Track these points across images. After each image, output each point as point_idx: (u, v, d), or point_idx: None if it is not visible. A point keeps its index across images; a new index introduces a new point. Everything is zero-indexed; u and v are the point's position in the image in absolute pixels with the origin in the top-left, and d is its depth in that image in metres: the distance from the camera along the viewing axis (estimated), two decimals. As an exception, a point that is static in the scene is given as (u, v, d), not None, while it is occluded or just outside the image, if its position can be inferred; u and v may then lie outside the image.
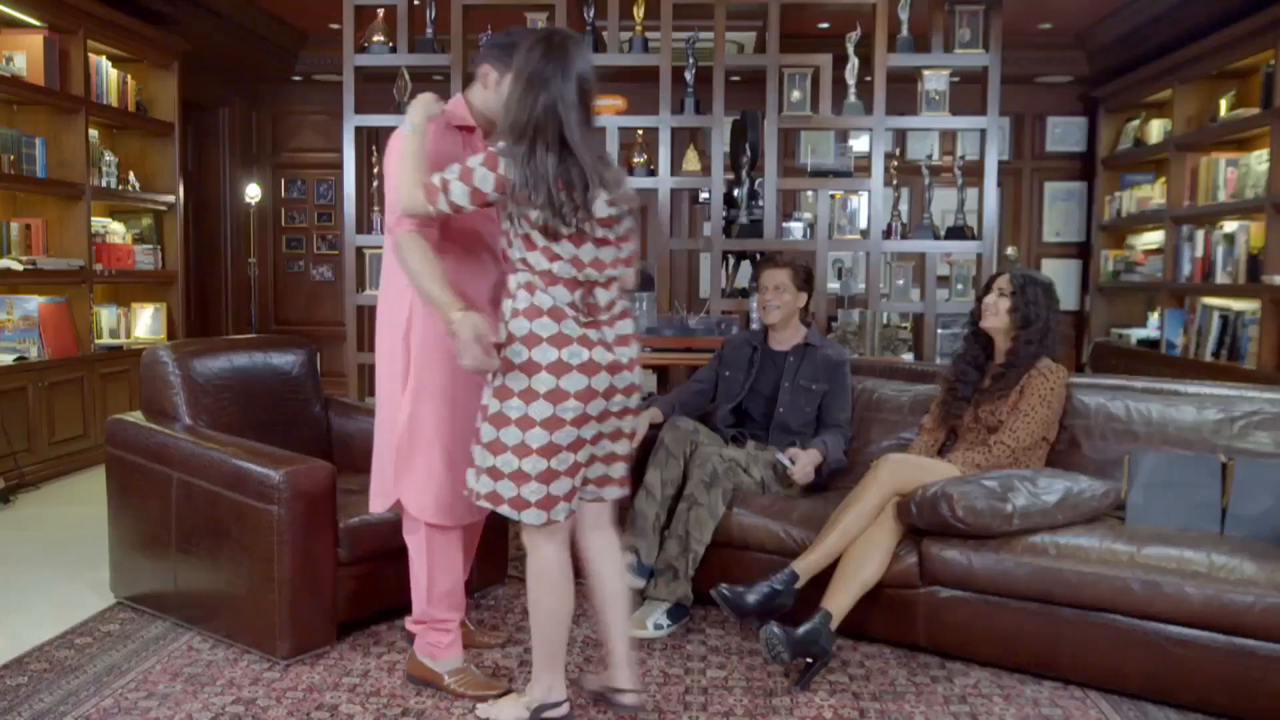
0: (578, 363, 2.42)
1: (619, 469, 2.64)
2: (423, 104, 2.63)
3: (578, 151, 2.43)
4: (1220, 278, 5.78)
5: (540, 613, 2.55)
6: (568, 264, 2.45)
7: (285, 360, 3.78)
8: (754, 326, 4.67)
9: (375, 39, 5.24)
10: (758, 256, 5.44)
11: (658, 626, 3.30)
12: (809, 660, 2.89)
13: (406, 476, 2.73)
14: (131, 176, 6.43)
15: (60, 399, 5.49)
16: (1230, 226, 5.75)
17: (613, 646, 2.64)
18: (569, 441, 2.45)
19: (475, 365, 2.41)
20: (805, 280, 3.75)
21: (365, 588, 3.23)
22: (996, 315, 3.39)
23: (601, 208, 2.48)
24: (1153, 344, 6.69)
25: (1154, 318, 6.97)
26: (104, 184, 6.06)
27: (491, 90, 2.79)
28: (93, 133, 5.96)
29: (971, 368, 3.48)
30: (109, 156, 6.17)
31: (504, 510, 2.48)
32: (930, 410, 3.58)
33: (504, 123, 2.48)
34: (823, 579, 3.05)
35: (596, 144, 2.53)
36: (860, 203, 5.79)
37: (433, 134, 2.64)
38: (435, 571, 2.81)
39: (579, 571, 2.63)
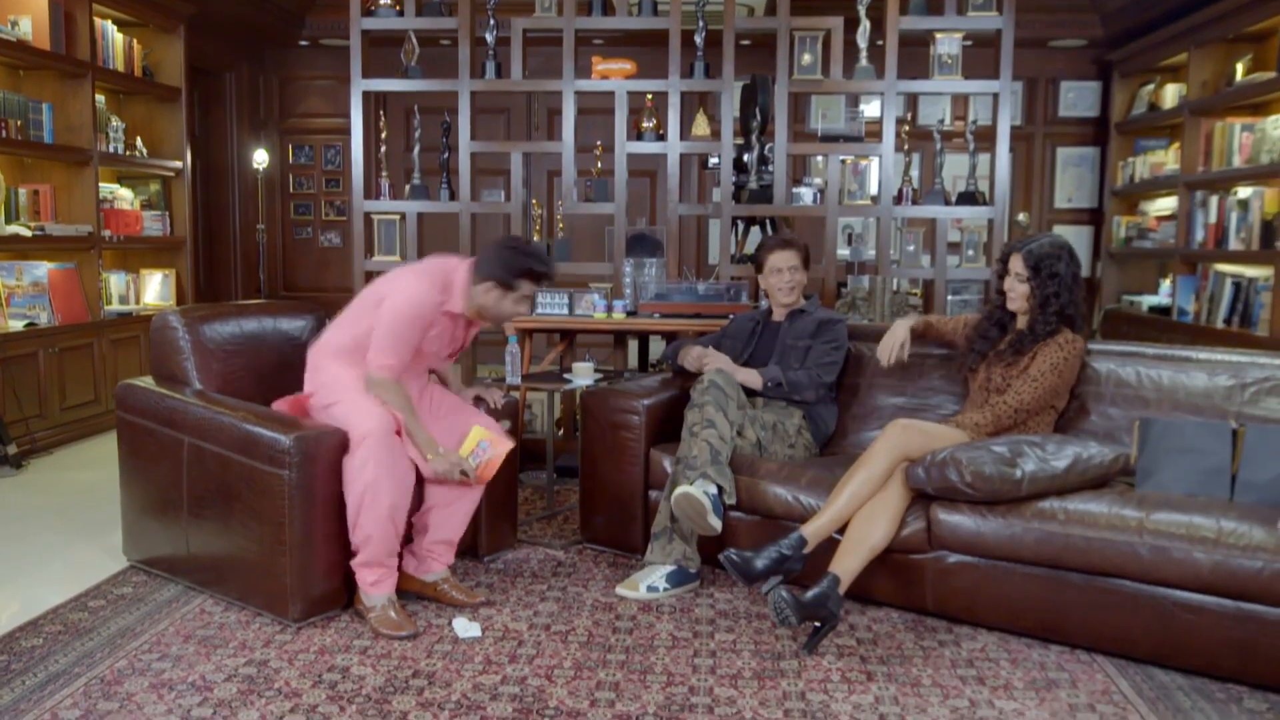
0: None
1: None
2: None
3: None
4: (1233, 244, 5.73)
5: None
6: None
7: (295, 325, 3.78)
8: (763, 301, 4.67)
9: (382, 2, 5.19)
10: (767, 223, 5.42)
11: (650, 589, 3.32)
12: (817, 624, 2.91)
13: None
14: (139, 142, 6.41)
15: (71, 364, 5.51)
16: (1244, 192, 5.70)
17: None
18: None
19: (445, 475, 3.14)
20: (807, 257, 3.96)
21: (375, 551, 3.24)
22: (1017, 300, 3.39)
23: None
24: (1164, 311, 6.66)
25: (1165, 284, 6.93)
26: (111, 149, 6.05)
27: (491, 303, 3.19)
28: (99, 98, 5.94)
29: (995, 327, 3.50)
30: (116, 122, 6.15)
31: None
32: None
33: None
34: (831, 543, 3.07)
35: None
36: (871, 168, 5.75)
37: (426, 304, 3.12)
38: (360, 514, 3.04)
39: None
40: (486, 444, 3.22)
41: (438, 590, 3.25)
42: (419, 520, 3.27)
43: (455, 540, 3.30)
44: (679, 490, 3.23)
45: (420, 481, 3.23)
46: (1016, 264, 3.38)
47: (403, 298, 3.12)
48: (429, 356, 3.31)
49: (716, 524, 3.22)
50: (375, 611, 3.04)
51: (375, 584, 3.07)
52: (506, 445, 3.26)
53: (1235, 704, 2.64)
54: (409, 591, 3.25)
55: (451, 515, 3.27)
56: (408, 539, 3.26)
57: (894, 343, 3.65)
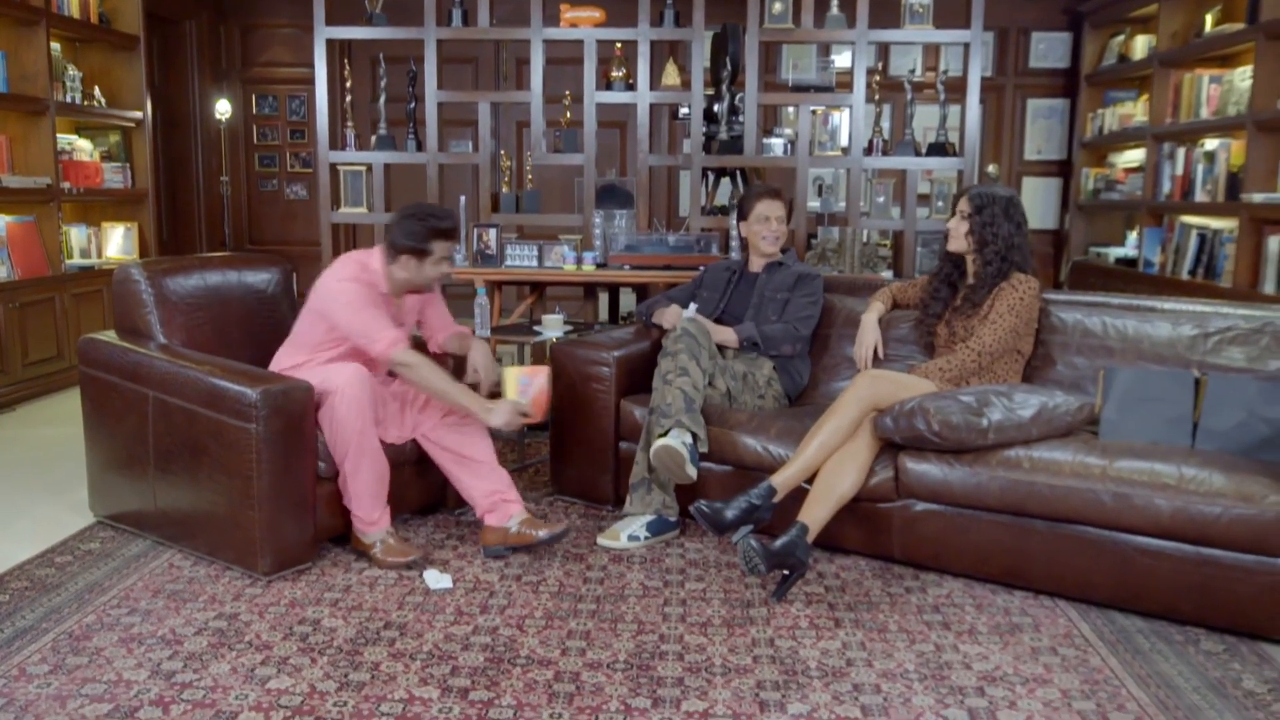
0: None
1: None
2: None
3: None
4: (1199, 196, 5.77)
5: None
6: None
7: (260, 278, 3.74)
8: (734, 252, 4.65)
9: (345, -53, 5.08)
10: (738, 174, 5.40)
11: (632, 538, 3.35)
12: (785, 572, 2.94)
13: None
14: (97, 92, 6.25)
15: (32, 320, 5.42)
16: (1211, 144, 5.72)
17: None
18: None
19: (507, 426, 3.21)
20: (791, 210, 4.00)
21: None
22: (957, 239, 3.44)
23: None
24: (1130, 263, 6.71)
25: (1132, 236, 6.97)
26: (68, 99, 5.90)
27: (412, 273, 3.27)
28: (54, 45, 5.78)
29: (945, 286, 3.53)
30: (72, 71, 5.99)
31: None
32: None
33: None
34: (800, 493, 3.09)
35: None
36: (841, 119, 5.73)
37: (361, 290, 3.20)
38: (348, 454, 3.15)
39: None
40: (526, 378, 3.31)
41: (520, 535, 3.22)
42: (466, 492, 3.34)
43: (501, 476, 3.33)
44: (658, 443, 3.24)
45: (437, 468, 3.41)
46: (963, 204, 3.44)
47: (338, 295, 3.22)
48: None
49: (693, 472, 3.25)
50: (377, 546, 3.16)
51: (374, 523, 3.18)
52: (543, 372, 3.37)
53: (1193, 646, 2.70)
54: (497, 545, 3.24)
55: (476, 467, 3.33)
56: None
57: (868, 348, 3.65)
